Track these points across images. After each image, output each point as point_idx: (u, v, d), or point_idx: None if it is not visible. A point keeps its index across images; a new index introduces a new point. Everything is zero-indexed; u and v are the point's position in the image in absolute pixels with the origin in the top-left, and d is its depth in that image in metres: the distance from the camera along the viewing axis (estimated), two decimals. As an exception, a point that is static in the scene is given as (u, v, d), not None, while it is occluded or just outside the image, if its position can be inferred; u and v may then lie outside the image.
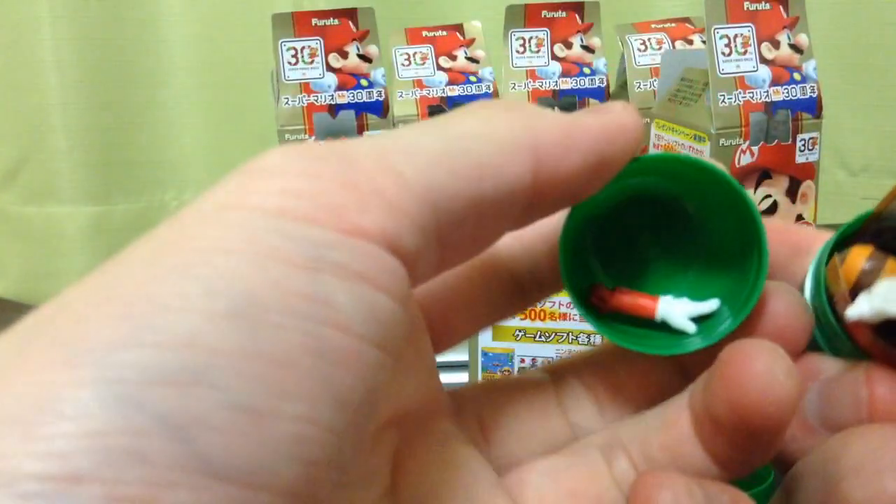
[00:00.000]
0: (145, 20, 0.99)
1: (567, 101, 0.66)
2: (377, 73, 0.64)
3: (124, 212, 1.03)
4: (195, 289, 0.14)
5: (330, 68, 0.63)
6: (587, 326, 0.41)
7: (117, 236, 1.03)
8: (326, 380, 0.14)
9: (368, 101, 0.63)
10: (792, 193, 0.55)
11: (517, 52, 0.65)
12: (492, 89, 0.66)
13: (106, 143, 1.01)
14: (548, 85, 0.65)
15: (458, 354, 0.52)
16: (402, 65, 0.65)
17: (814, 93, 0.54)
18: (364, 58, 0.64)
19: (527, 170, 0.17)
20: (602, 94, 0.66)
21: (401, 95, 0.65)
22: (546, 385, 0.23)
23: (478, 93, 0.65)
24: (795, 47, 0.54)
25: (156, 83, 1.01)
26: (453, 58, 0.66)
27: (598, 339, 0.41)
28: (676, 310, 0.21)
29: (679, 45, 0.67)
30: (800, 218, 0.55)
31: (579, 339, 0.41)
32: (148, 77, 1.01)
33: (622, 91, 0.67)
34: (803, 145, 0.54)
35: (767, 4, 0.53)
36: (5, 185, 1.04)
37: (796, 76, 0.53)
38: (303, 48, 0.62)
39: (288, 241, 0.15)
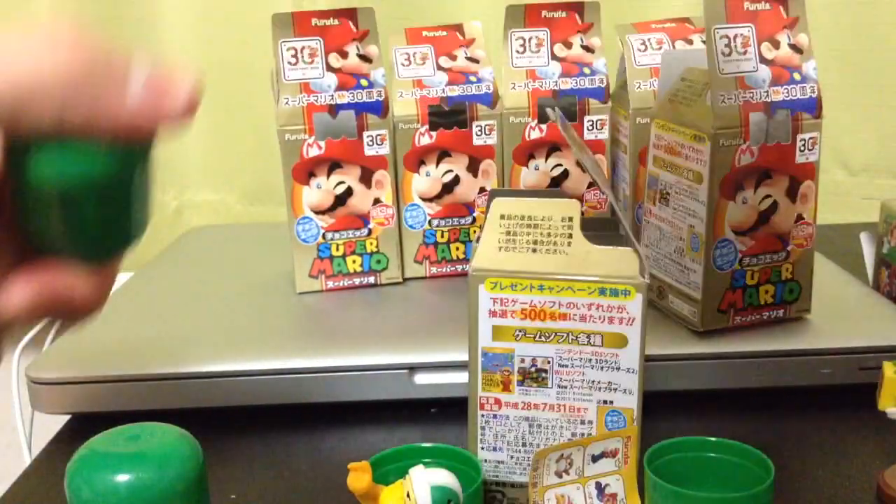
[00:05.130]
0: (145, 20, 0.99)
1: (567, 101, 0.66)
2: (377, 73, 0.64)
3: (124, 212, 1.03)
4: None
5: (330, 68, 0.63)
6: (588, 326, 0.41)
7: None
8: None
9: (368, 101, 0.63)
10: (792, 193, 0.55)
11: (517, 52, 0.65)
12: (491, 89, 0.66)
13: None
14: (548, 85, 0.65)
15: (457, 354, 0.52)
16: (402, 65, 0.65)
17: (814, 93, 0.54)
18: (364, 58, 0.64)
19: None
20: (602, 94, 0.66)
21: (401, 95, 0.65)
22: None
23: (478, 93, 0.65)
24: (795, 47, 0.54)
25: (155, 83, 1.01)
26: (453, 58, 0.66)
27: (598, 339, 0.41)
28: None
29: (679, 45, 0.67)
30: (800, 218, 0.55)
31: (579, 339, 0.41)
32: (148, 77, 1.00)
33: (622, 91, 0.67)
34: (803, 145, 0.54)
35: (767, 4, 0.53)
36: (5, 185, 1.03)
37: (796, 76, 0.53)
38: (303, 48, 0.62)
39: None
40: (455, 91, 0.65)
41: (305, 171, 0.63)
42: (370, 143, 0.63)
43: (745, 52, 0.52)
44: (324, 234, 0.64)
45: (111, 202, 0.30)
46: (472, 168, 0.66)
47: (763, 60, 0.53)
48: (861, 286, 0.64)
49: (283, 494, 0.48)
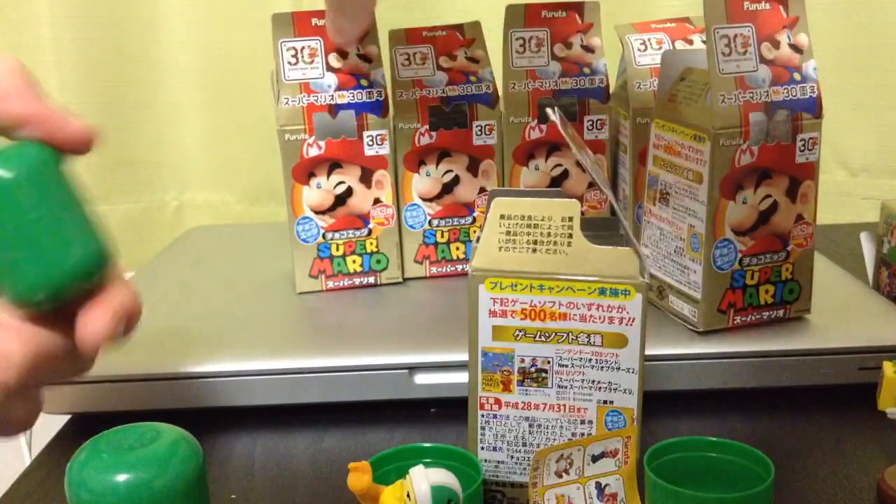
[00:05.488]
0: (145, 20, 0.99)
1: (567, 101, 0.66)
2: (377, 74, 0.64)
3: (124, 212, 1.03)
4: None
5: (330, 68, 0.63)
6: (588, 326, 0.41)
7: (117, 236, 1.03)
8: None
9: (368, 100, 0.63)
10: (792, 193, 0.55)
11: (517, 51, 0.65)
12: (491, 89, 0.66)
13: (105, 143, 1.01)
14: (548, 85, 0.65)
15: (458, 354, 0.52)
16: (402, 65, 0.65)
17: (814, 93, 0.54)
18: (364, 58, 0.64)
19: None
20: (602, 94, 0.66)
21: (400, 95, 0.65)
22: None
23: (478, 93, 0.65)
24: (795, 47, 0.54)
25: (155, 83, 1.01)
26: (453, 58, 0.66)
27: (598, 339, 0.41)
28: None
29: (679, 45, 0.67)
30: (800, 218, 0.55)
31: (579, 339, 0.41)
32: (148, 77, 1.00)
33: (622, 91, 0.67)
34: (803, 145, 0.54)
35: (767, 4, 0.53)
36: (5, 185, 1.03)
37: (796, 76, 0.53)
38: (303, 48, 0.62)
39: None
40: (455, 91, 0.65)
41: (305, 171, 0.63)
42: (370, 143, 0.63)
43: (745, 52, 0.52)
44: (324, 234, 0.64)
45: (18, 215, 0.32)
46: (472, 168, 0.66)
47: (763, 60, 0.53)
48: (861, 286, 0.64)
49: (283, 494, 0.48)
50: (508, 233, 0.41)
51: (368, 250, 0.65)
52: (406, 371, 0.54)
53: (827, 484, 0.47)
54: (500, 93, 0.66)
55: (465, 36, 0.67)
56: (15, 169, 0.32)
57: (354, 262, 0.65)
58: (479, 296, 0.41)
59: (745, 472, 0.41)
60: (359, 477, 0.38)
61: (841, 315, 0.59)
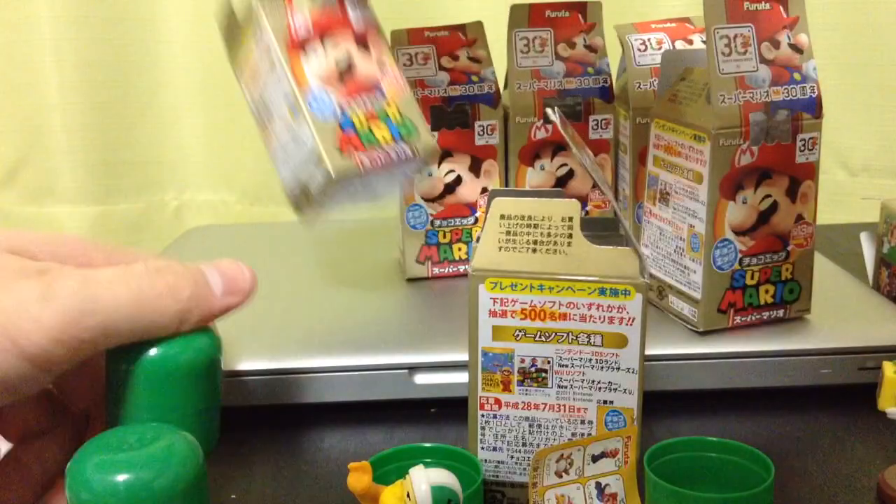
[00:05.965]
0: (145, 20, 0.99)
1: (572, 101, 0.66)
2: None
3: (124, 212, 1.03)
4: None
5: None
6: (588, 326, 0.41)
7: (117, 236, 1.03)
8: None
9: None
10: (792, 193, 0.55)
11: (521, 51, 0.65)
12: (493, 89, 0.66)
13: (106, 143, 1.01)
14: (552, 85, 0.65)
15: (458, 354, 0.52)
16: (405, 65, 0.65)
17: (814, 93, 0.54)
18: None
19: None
20: (606, 94, 0.66)
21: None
22: None
23: (480, 93, 0.65)
24: (795, 47, 0.54)
25: (156, 83, 1.01)
26: (455, 58, 0.66)
27: (598, 339, 0.41)
28: None
29: (679, 45, 0.67)
30: (800, 218, 0.55)
31: (579, 339, 0.41)
32: (148, 77, 1.01)
33: (622, 91, 0.67)
34: (803, 145, 0.54)
35: (767, 4, 0.53)
36: (5, 185, 1.04)
37: (796, 76, 0.53)
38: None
39: None
40: (457, 91, 0.65)
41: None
42: None
43: (745, 52, 0.52)
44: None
45: (203, 383, 0.38)
46: (475, 168, 0.66)
47: (763, 60, 0.53)
48: (861, 286, 0.64)
49: (283, 494, 0.48)
50: (508, 233, 0.41)
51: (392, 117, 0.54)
52: (406, 371, 0.54)
53: (827, 484, 0.47)
54: (507, 93, 0.66)
55: (467, 36, 0.66)
56: (198, 360, 0.37)
57: (382, 131, 0.53)
58: (479, 296, 0.41)
59: (745, 472, 0.41)
60: (359, 477, 0.38)
61: (841, 315, 0.59)
